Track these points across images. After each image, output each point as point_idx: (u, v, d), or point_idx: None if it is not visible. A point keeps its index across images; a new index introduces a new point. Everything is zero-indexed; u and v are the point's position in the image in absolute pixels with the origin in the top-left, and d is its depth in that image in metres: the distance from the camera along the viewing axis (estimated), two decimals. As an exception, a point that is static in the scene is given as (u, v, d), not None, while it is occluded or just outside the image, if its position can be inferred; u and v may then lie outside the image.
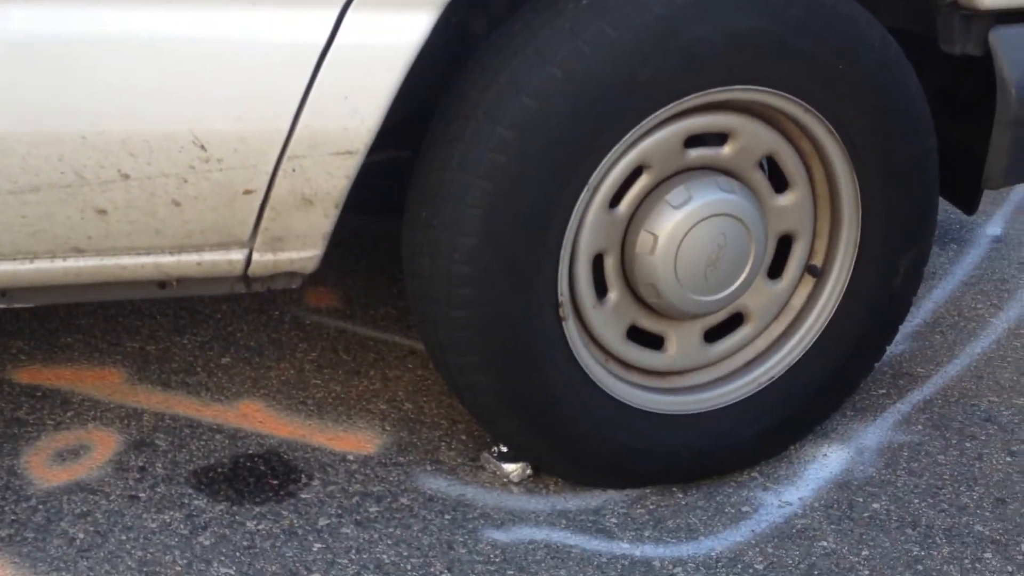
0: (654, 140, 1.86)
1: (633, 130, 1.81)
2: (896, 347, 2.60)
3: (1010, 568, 1.93)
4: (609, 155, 1.81)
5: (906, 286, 2.14)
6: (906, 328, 2.68)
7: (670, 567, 1.88)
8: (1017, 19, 2.00)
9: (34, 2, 1.49)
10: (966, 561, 1.95)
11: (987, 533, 2.02)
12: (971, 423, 2.34)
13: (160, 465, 2.02)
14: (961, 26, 1.99)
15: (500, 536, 1.92)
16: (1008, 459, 2.23)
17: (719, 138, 1.95)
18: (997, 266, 3.08)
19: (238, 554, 1.83)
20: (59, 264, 1.66)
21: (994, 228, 3.33)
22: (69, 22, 1.51)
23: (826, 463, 2.18)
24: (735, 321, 2.12)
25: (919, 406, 2.39)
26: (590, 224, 1.88)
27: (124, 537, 1.84)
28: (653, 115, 1.81)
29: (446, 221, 1.79)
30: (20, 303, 1.73)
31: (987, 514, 2.06)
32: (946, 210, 3.22)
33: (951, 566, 1.94)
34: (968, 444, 2.27)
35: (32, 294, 1.72)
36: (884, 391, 2.43)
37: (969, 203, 2.30)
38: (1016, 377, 2.51)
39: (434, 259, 1.82)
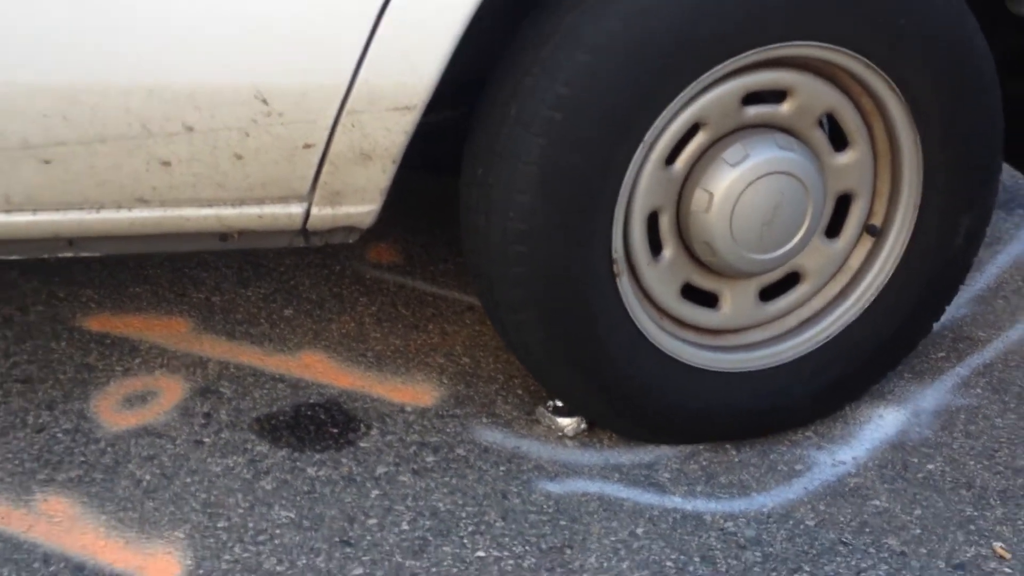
0: (711, 97, 1.85)
1: (690, 86, 1.80)
2: (958, 311, 2.58)
3: None
4: (665, 112, 1.80)
5: (967, 248, 2.11)
6: (968, 292, 2.67)
7: (721, 521, 1.90)
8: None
9: None
10: (1019, 522, 1.94)
11: None
12: None
13: (224, 412, 2.06)
14: None
15: (554, 488, 1.95)
16: None
17: (778, 95, 1.93)
18: None
19: (298, 498, 1.87)
20: (124, 214, 1.69)
21: None
22: None
23: (881, 424, 2.18)
24: (791, 280, 2.10)
25: (978, 370, 2.38)
26: (645, 181, 1.88)
27: (189, 480, 1.89)
28: (711, 71, 1.80)
29: (501, 178, 1.80)
30: (87, 252, 1.77)
31: None
32: (1015, 176, 3.19)
33: (1004, 527, 1.93)
34: None
35: (98, 243, 1.75)
36: (943, 354, 2.41)
37: None
38: (1079, 342, 2.49)
39: (489, 216, 1.83)
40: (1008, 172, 3.04)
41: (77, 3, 1.54)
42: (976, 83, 1.96)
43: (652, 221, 1.95)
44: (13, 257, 1.75)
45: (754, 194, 1.91)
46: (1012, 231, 3.03)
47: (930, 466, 2.07)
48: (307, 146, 1.67)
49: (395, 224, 2.78)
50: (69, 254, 1.76)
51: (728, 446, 2.08)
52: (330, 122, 1.65)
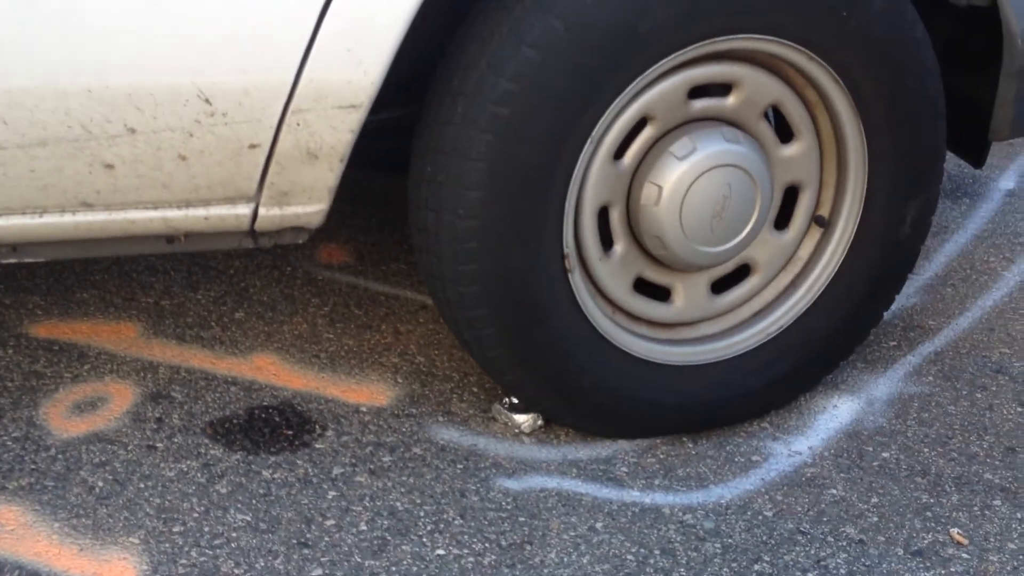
0: (657, 91, 1.88)
1: (635, 81, 1.82)
2: (907, 300, 2.62)
3: (1019, 515, 1.96)
4: (612, 107, 1.83)
5: (914, 235, 2.14)
6: (917, 281, 2.72)
7: (680, 514, 1.92)
8: (1022, -32, 1.99)
9: None
10: (975, 508, 1.97)
11: (996, 481, 2.04)
12: (982, 374, 2.36)
13: (176, 416, 2.06)
14: None
15: (512, 484, 1.96)
16: (1019, 409, 2.25)
17: (724, 88, 1.96)
18: (1010, 220, 3.09)
19: (254, 501, 1.87)
20: (68, 218, 1.69)
21: (1007, 182, 3.34)
22: None
23: (836, 414, 2.21)
24: (742, 272, 2.13)
25: (930, 358, 2.42)
26: (594, 176, 1.90)
27: (142, 485, 1.89)
28: (655, 66, 1.82)
29: (450, 175, 1.81)
30: (31, 257, 1.76)
31: (997, 463, 2.09)
32: (960, 165, 3.24)
33: (960, 513, 1.96)
34: (979, 395, 2.29)
35: (42, 249, 1.75)
36: (895, 343, 2.45)
37: (977, 156, 2.30)
38: (1028, 329, 2.53)
39: (439, 214, 1.84)
40: (954, 161, 3.09)
41: (11, 4, 1.54)
42: (917, 73, 2.00)
43: (603, 216, 1.97)
44: None
45: (703, 187, 1.94)
46: (959, 220, 3.08)
47: (885, 454, 2.10)
48: (252, 146, 1.67)
49: (345, 224, 2.79)
50: (13, 260, 1.75)
51: (685, 439, 2.11)
52: (275, 121, 1.66)
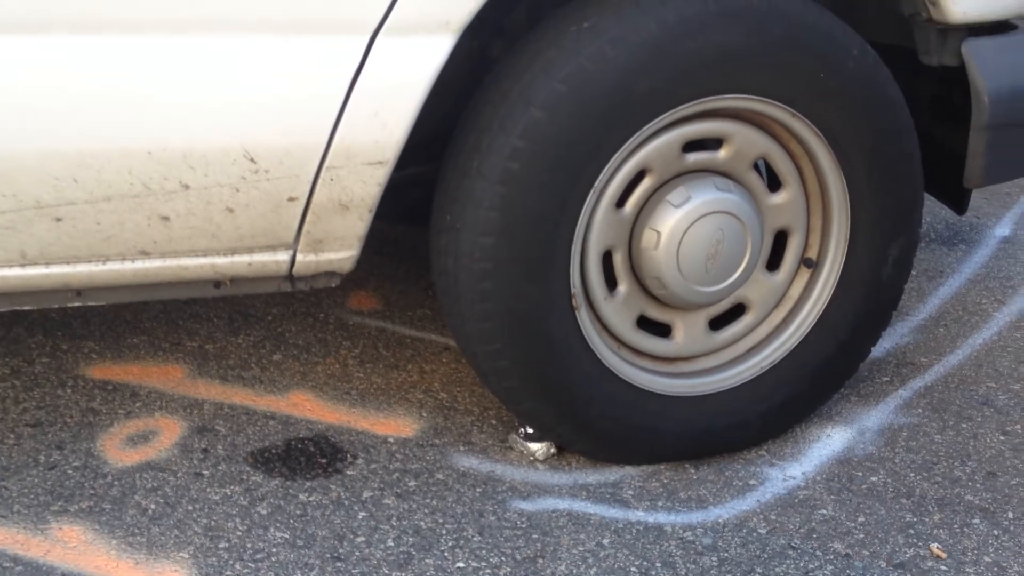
0: (654, 146, 2.00)
1: (633, 138, 1.94)
2: (901, 339, 2.71)
3: (996, 532, 2.05)
4: (612, 160, 1.95)
5: (896, 274, 2.24)
6: (912, 322, 2.80)
7: (681, 531, 2.02)
8: (986, 31, 2.12)
9: (106, 32, 1.66)
10: (955, 526, 2.06)
11: (976, 502, 2.13)
12: (968, 406, 2.45)
13: (220, 447, 2.18)
14: (937, 39, 2.12)
15: (526, 506, 2.07)
16: (1001, 438, 2.34)
17: (715, 143, 2.08)
18: (1004, 265, 3.17)
19: (292, 521, 1.99)
20: (128, 265, 1.81)
21: (1003, 229, 3.42)
22: (137, 50, 1.67)
23: (829, 442, 2.30)
24: (737, 310, 2.24)
25: (920, 392, 2.50)
26: (598, 223, 2.02)
27: (191, 507, 2.01)
28: (651, 123, 1.94)
29: (467, 223, 1.93)
30: (93, 301, 1.89)
31: (978, 486, 2.18)
32: (959, 214, 3.34)
33: (941, 530, 2.05)
34: (964, 425, 2.38)
35: (104, 293, 1.87)
36: (887, 378, 2.54)
37: (959, 203, 2.41)
38: (1014, 365, 2.62)
39: (457, 258, 1.96)
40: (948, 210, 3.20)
41: (83, 77, 1.67)
42: (892, 127, 2.11)
43: (607, 259, 2.09)
44: (25, 307, 1.87)
45: (697, 232, 2.05)
46: (954, 264, 3.16)
47: (873, 478, 2.20)
48: (291, 199, 1.80)
49: (374, 273, 2.90)
50: (77, 303, 1.87)
51: (687, 464, 2.21)
52: (311, 177, 1.79)
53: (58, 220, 1.73)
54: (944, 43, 2.12)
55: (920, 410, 2.44)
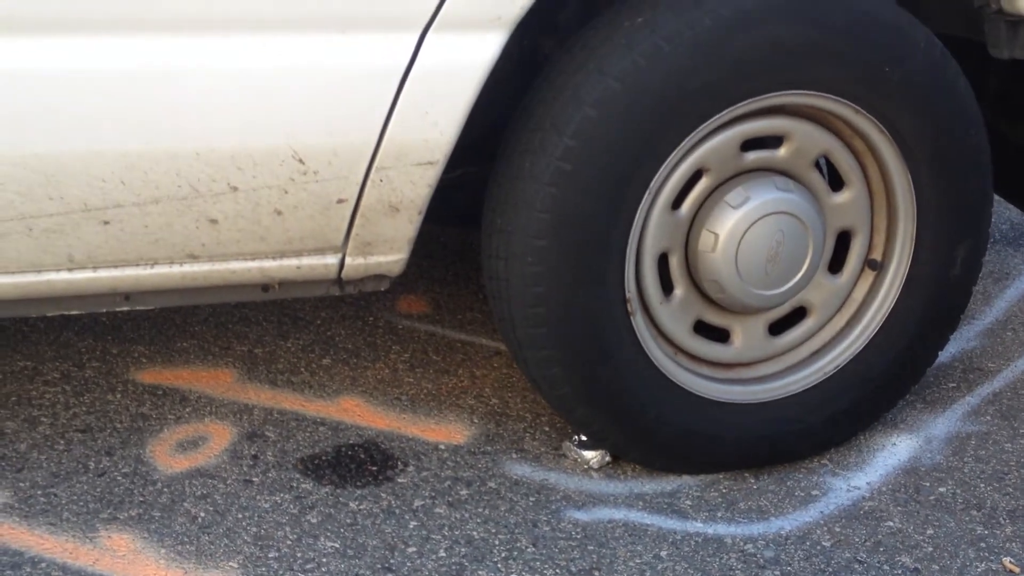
0: (711, 145, 1.96)
1: (689, 136, 1.91)
2: (968, 344, 2.66)
3: None
4: (668, 160, 1.91)
5: (965, 276, 2.19)
6: (978, 326, 2.75)
7: (741, 544, 1.98)
8: (1059, 23, 2.05)
9: (152, 33, 1.65)
10: (1029, 539, 2.01)
11: None
12: None
13: (270, 453, 2.18)
14: (1008, 31, 2.06)
15: (581, 516, 2.04)
16: None
17: (775, 140, 2.04)
18: None
19: (342, 530, 1.98)
20: (176, 269, 1.81)
21: None
22: (184, 50, 1.66)
23: (895, 451, 2.26)
24: (799, 314, 2.19)
25: (988, 398, 2.45)
26: (654, 225, 1.99)
27: (240, 516, 2.00)
28: (707, 122, 1.90)
29: (519, 226, 1.91)
30: (141, 306, 1.89)
31: None
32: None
33: (1013, 543, 2.01)
34: None
35: (152, 297, 1.86)
36: (954, 384, 2.49)
37: None
38: (1086, 370, 2.56)
39: (509, 261, 1.94)
40: (1013, 209, 3.14)
41: (130, 79, 1.67)
42: (960, 121, 2.06)
43: (663, 262, 2.05)
44: (73, 312, 1.87)
45: (756, 234, 2.01)
46: (1021, 266, 3.11)
47: (942, 489, 2.15)
48: (340, 201, 1.79)
49: (423, 276, 2.89)
50: (125, 308, 1.87)
51: (747, 474, 2.17)
52: (361, 178, 1.77)
53: (106, 223, 1.73)
54: (1015, 36, 2.06)
55: (989, 417, 2.39)
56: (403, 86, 1.73)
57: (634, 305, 2.02)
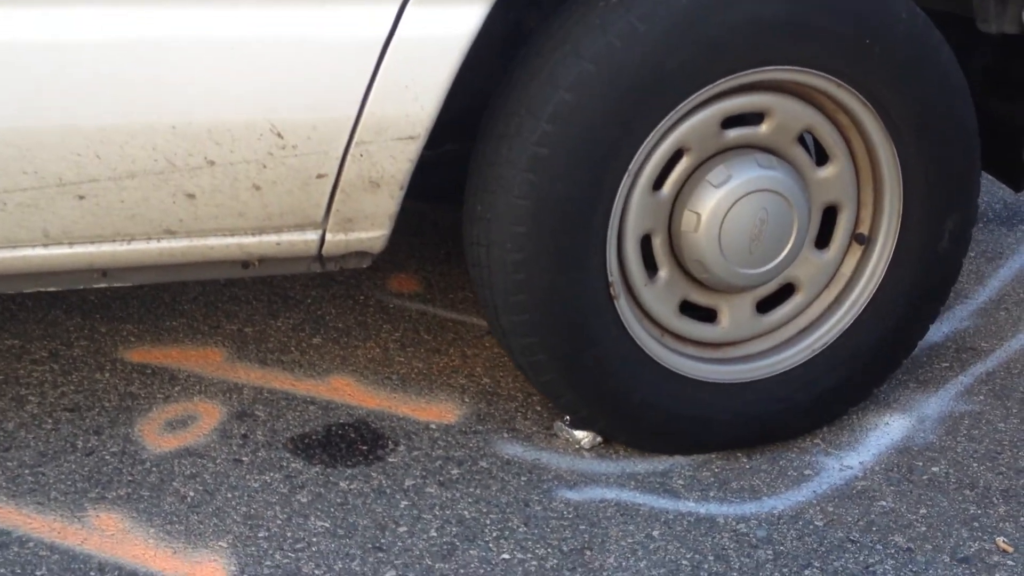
0: (690, 124, 1.93)
1: (668, 116, 1.88)
2: (960, 323, 2.65)
3: None
4: (647, 141, 1.89)
5: (953, 249, 2.16)
6: (971, 305, 2.74)
7: (733, 523, 1.98)
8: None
9: (127, 5, 1.64)
10: (1022, 519, 2.01)
11: None
12: None
13: (260, 433, 2.17)
14: (996, 5, 2.04)
15: (573, 495, 2.04)
16: None
17: (756, 117, 2.01)
18: None
19: (332, 510, 1.97)
20: (153, 245, 1.79)
21: None
22: (159, 21, 1.65)
23: (887, 431, 2.25)
24: (786, 291, 2.17)
25: (981, 378, 2.44)
26: (635, 207, 1.96)
27: (230, 495, 2.00)
28: (686, 101, 1.88)
29: (498, 213, 1.89)
30: (119, 282, 1.87)
31: None
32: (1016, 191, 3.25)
33: (1007, 523, 2.00)
34: None
35: (129, 274, 1.85)
36: (947, 364, 2.48)
37: (1016, 180, 2.33)
38: (1080, 349, 2.54)
39: (490, 249, 1.92)
40: (1006, 189, 3.11)
41: (104, 50, 1.65)
42: (945, 93, 2.03)
43: (646, 244, 2.03)
44: (51, 289, 1.85)
45: (739, 212, 1.99)
46: (1014, 245, 3.08)
47: (934, 468, 2.14)
48: (320, 176, 1.77)
49: (414, 255, 2.88)
50: (103, 284, 1.85)
51: (739, 454, 2.16)
52: (340, 152, 1.76)
53: (81, 198, 1.71)
54: (1004, 9, 2.04)
55: (982, 397, 2.38)
56: (383, 59, 1.72)
57: (617, 288, 2.00)
